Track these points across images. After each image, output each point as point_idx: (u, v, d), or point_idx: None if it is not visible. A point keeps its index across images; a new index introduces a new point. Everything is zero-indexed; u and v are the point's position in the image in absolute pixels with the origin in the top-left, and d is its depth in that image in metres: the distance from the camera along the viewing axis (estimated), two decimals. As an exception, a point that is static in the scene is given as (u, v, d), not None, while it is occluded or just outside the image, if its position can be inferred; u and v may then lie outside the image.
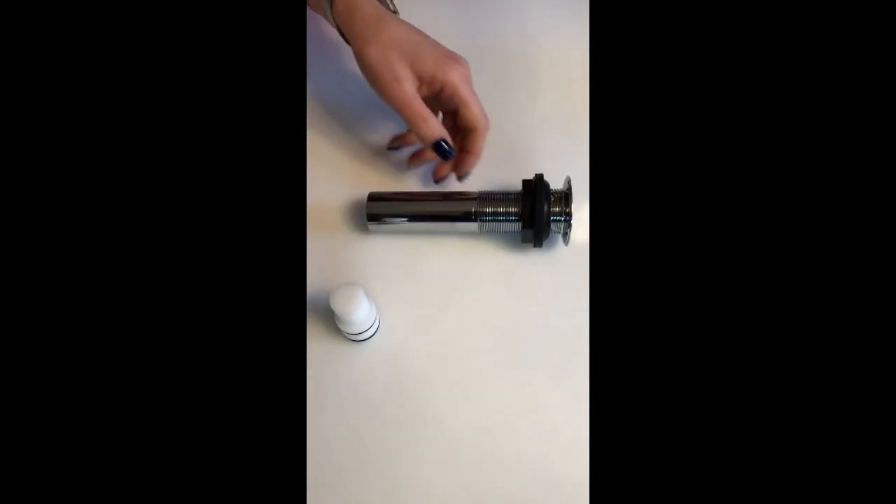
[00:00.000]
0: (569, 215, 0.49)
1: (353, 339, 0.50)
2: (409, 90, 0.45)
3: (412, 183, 0.56)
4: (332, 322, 0.50)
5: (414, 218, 0.52)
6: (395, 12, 0.50)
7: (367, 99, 0.51)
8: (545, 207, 0.48)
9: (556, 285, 0.52)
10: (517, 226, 0.50)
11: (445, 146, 0.47)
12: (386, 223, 0.52)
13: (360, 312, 0.46)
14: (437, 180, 0.53)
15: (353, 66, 0.48)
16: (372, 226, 0.52)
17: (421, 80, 0.46)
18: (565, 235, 0.50)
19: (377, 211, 0.52)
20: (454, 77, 0.46)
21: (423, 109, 0.46)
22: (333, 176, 0.56)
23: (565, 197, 0.49)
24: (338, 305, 0.45)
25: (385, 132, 0.58)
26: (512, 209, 0.50)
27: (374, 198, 0.52)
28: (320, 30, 0.58)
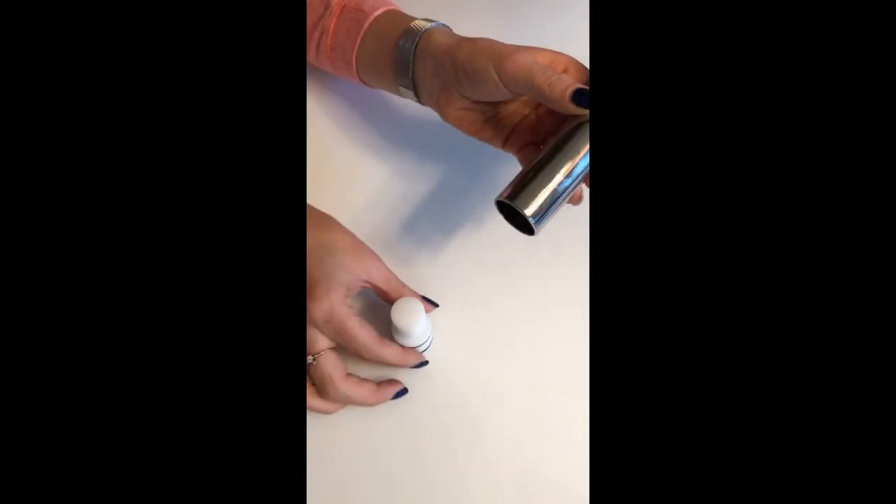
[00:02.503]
0: None
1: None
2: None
3: (420, 187, 0.55)
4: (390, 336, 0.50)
5: (568, 183, 0.42)
6: None
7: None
8: None
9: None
10: None
11: (583, 91, 0.41)
12: (550, 213, 0.42)
13: (420, 325, 0.46)
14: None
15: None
16: (539, 228, 0.42)
17: None
18: None
19: (535, 204, 0.41)
20: None
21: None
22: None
23: None
24: (400, 319, 0.46)
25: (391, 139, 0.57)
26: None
27: (515, 197, 0.41)
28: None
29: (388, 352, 0.48)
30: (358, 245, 0.48)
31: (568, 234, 0.51)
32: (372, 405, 0.49)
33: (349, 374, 0.48)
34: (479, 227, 0.54)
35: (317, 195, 0.49)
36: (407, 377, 0.50)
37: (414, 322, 0.46)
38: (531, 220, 0.41)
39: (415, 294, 0.50)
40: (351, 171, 0.56)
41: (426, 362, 0.50)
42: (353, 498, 0.48)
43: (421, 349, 0.50)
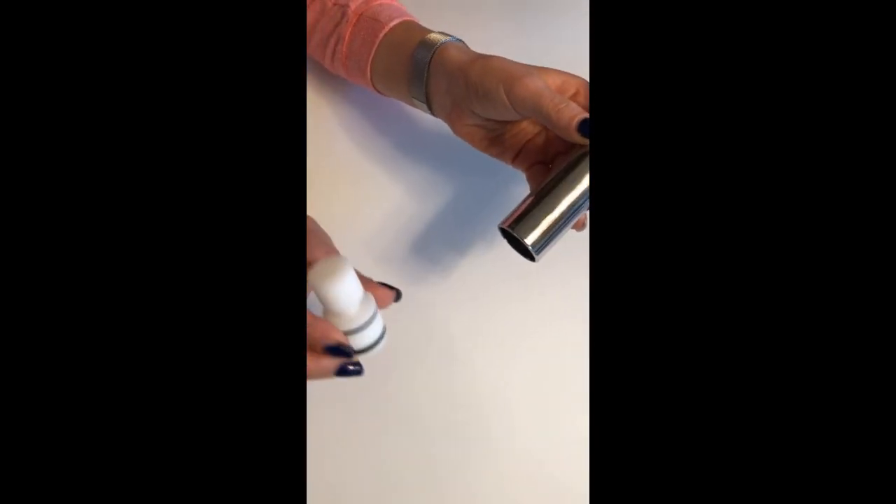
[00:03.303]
0: None
1: (359, 350, 0.41)
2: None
3: (431, 204, 0.54)
4: None
5: (570, 211, 0.41)
6: None
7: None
8: None
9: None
10: None
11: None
12: (552, 241, 0.42)
13: (346, 287, 0.36)
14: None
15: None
16: (539, 255, 0.42)
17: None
18: None
19: (536, 233, 0.41)
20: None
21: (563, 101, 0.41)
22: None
23: None
24: (314, 277, 0.36)
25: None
26: None
27: (516, 225, 0.41)
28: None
29: None
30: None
31: (583, 256, 0.49)
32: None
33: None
34: (490, 248, 0.53)
35: (327, 209, 0.48)
36: (413, 388, 0.48)
37: (330, 285, 0.35)
38: (531, 249, 0.41)
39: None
40: (362, 184, 0.55)
41: (352, 361, 0.37)
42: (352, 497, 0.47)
43: (358, 340, 0.38)
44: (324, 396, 0.47)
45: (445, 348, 0.50)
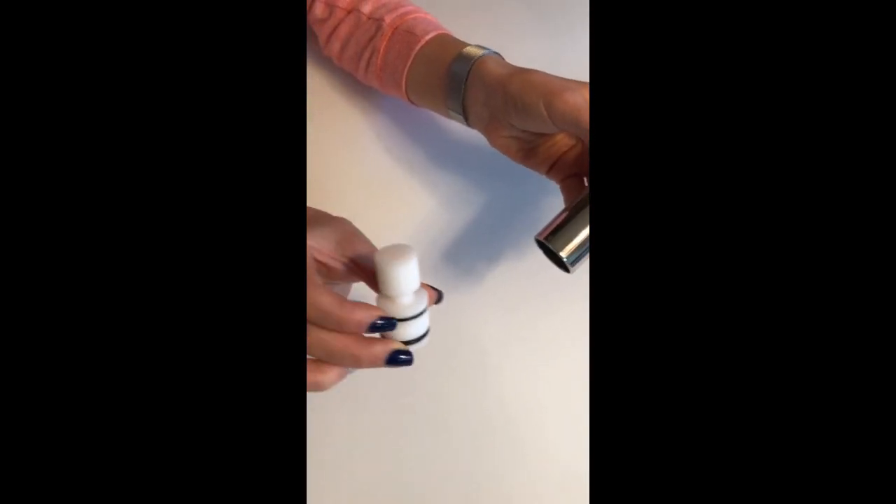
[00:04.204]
0: None
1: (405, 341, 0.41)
2: None
3: (465, 214, 0.54)
4: None
5: None
6: None
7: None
8: None
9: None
10: None
11: None
12: (586, 252, 0.43)
13: (410, 270, 0.37)
14: None
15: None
16: (574, 267, 0.44)
17: None
18: None
19: (571, 245, 0.42)
20: None
21: None
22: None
23: None
24: (381, 258, 0.37)
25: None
26: None
27: (552, 237, 0.43)
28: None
29: (322, 295, 0.35)
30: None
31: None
32: (346, 329, 0.37)
33: (325, 284, 0.37)
34: (522, 257, 0.54)
35: (361, 219, 0.49)
36: (444, 395, 0.48)
37: (395, 266, 0.36)
38: (566, 261, 0.43)
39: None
40: (396, 194, 0.56)
41: (403, 350, 0.38)
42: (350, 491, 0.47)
43: (410, 330, 0.39)
44: (353, 402, 0.49)
45: (477, 356, 0.51)
